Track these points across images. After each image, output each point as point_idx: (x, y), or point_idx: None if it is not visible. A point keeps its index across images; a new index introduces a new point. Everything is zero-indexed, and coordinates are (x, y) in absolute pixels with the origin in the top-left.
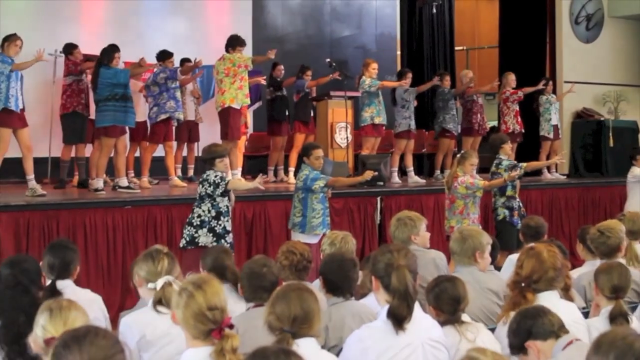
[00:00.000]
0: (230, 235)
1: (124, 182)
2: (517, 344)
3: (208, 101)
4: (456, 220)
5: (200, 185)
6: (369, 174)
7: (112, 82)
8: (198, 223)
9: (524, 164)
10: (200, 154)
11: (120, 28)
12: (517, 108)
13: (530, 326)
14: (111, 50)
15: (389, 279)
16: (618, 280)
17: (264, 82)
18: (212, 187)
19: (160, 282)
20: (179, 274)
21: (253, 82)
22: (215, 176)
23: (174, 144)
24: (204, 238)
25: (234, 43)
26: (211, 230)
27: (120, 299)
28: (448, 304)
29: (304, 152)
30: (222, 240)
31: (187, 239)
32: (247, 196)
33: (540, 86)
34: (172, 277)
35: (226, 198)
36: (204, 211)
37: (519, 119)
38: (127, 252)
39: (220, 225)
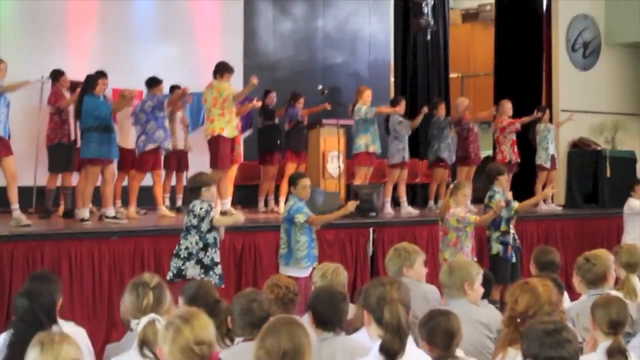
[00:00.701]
0: (219, 266)
1: (110, 212)
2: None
3: (198, 129)
4: (450, 252)
5: (186, 216)
6: (351, 205)
7: (94, 115)
8: (185, 255)
9: (516, 205)
10: None
11: (110, 53)
12: (514, 137)
13: (538, 353)
14: (96, 77)
15: (381, 312)
16: (617, 315)
17: (259, 104)
18: (196, 219)
19: (143, 321)
20: (170, 305)
21: (247, 110)
22: (201, 208)
23: (162, 172)
24: (192, 270)
25: (221, 70)
26: (199, 262)
27: (106, 333)
28: (442, 338)
29: (290, 182)
30: (211, 272)
31: (174, 271)
32: (237, 226)
33: (537, 115)
34: (156, 315)
35: (214, 230)
36: (191, 243)
37: (516, 149)
38: (113, 285)
39: (208, 256)
